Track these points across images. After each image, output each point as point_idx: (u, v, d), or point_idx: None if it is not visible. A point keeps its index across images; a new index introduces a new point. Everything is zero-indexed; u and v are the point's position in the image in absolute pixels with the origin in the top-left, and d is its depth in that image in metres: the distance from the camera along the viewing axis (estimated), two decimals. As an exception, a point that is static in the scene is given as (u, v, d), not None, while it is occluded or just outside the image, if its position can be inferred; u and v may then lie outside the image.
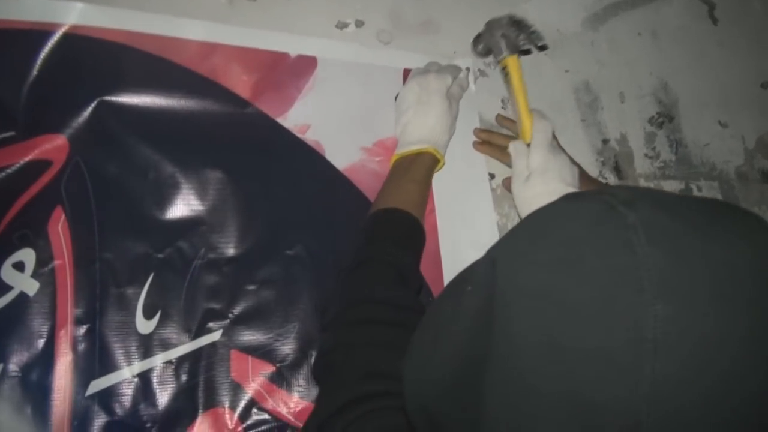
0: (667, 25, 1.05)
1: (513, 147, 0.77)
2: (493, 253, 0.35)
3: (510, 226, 0.77)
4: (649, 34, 1.03)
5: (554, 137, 0.78)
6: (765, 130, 1.08)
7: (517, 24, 0.79)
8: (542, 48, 0.83)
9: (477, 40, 0.84)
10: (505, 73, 0.79)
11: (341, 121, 0.78)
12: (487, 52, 0.85)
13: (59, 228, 0.63)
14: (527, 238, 0.34)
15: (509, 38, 0.78)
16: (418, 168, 0.72)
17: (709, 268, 0.27)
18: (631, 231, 0.28)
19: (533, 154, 0.74)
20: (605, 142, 0.93)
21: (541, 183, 0.72)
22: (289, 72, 0.76)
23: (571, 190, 0.71)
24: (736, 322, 0.26)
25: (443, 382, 0.35)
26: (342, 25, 0.83)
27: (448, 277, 0.76)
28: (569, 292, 0.29)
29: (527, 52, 0.81)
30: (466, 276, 0.38)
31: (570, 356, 0.28)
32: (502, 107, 0.88)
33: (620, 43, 1.00)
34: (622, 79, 0.98)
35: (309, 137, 0.76)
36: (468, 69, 0.85)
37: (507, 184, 0.83)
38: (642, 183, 0.94)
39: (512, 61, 0.78)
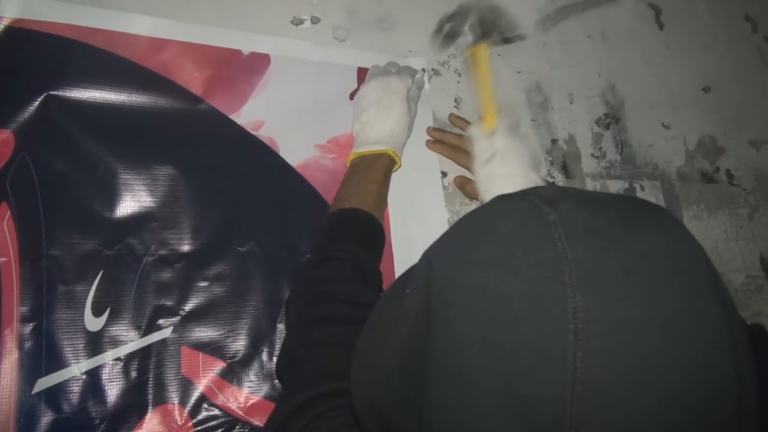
0: (617, 28, 1.09)
1: (473, 129, 0.77)
2: (428, 254, 0.37)
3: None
4: (598, 37, 1.06)
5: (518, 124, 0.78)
6: (706, 132, 1.13)
7: (493, 12, 0.76)
8: (520, 37, 0.81)
9: (445, 21, 0.80)
10: (473, 60, 0.77)
11: (295, 118, 0.78)
12: (454, 36, 0.81)
13: (4, 224, 0.62)
14: (461, 239, 0.35)
15: (484, 24, 0.76)
16: (378, 168, 0.74)
17: (624, 259, 0.30)
18: (553, 228, 0.31)
19: (497, 135, 0.74)
20: (554, 141, 0.97)
21: (504, 165, 0.73)
22: (242, 69, 0.76)
23: (532, 173, 0.72)
24: (652, 307, 0.29)
25: (390, 382, 0.36)
26: (297, 21, 0.83)
27: (400, 272, 0.78)
28: (501, 289, 0.30)
29: (508, 40, 0.79)
30: (405, 278, 0.39)
31: (503, 350, 0.29)
32: (455, 107, 0.90)
33: (571, 45, 1.03)
34: (572, 80, 1.01)
35: (263, 134, 0.76)
36: (423, 70, 0.87)
37: (458, 182, 0.85)
38: (588, 182, 0.97)
39: (483, 49, 0.76)
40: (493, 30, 0.76)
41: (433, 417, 0.32)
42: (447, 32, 0.80)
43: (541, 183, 0.75)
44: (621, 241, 0.30)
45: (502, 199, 0.36)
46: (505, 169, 0.73)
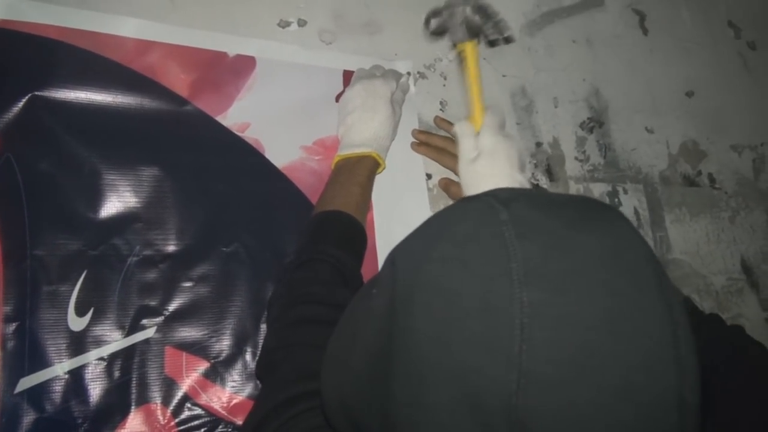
0: (601, 33, 1.10)
1: (459, 127, 0.74)
2: (393, 253, 0.38)
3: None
4: (583, 42, 1.08)
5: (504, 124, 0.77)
6: (688, 136, 1.14)
7: (483, 10, 0.73)
8: (508, 40, 0.77)
9: (432, 17, 0.77)
10: (461, 58, 0.76)
11: (281, 120, 0.79)
12: (441, 32, 0.78)
13: (-12, 224, 0.62)
14: (422, 238, 0.37)
15: (471, 23, 0.73)
16: (362, 171, 0.74)
17: (572, 256, 0.31)
18: (504, 227, 0.32)
19: (484, 134, 0.72)
20: (538, 145, 0.98)
21: (489, 164, 0.71)
22: (228, 71, 0.77)
23: (518, 174, 0.71)
24: (596, 303, 0.30)
25: (359, 383, 0.37)
26: (284, 24, 0.84)
27: (383, 274, 0.79)
28: (454, 286, 0.32)
29: (494, 43, 0.76)
30: (373, 279, 0.40)
31: (454, 345, 0.31)
32: (441, 109, 0.91)
33: (556, 50, 1.04)
34: (557, 84, 1.02)
35: (248, 135, 0.77)
36: (409, 73, 0.88)
37: (443, 184, 0.86)
38: (572, 185, 0.98)
39: (470, 47, 0.74)
40: (481, 31, 0.74)
41: (395, 415, 0.33)
42: (434, 28, 0.77)
43: (527, 184, 0.75)
44: (569, 240, 0.32)
45: (464, 201, 0.37)
46: (491, 169, 0.71)
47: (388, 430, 0.34)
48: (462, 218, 0.35)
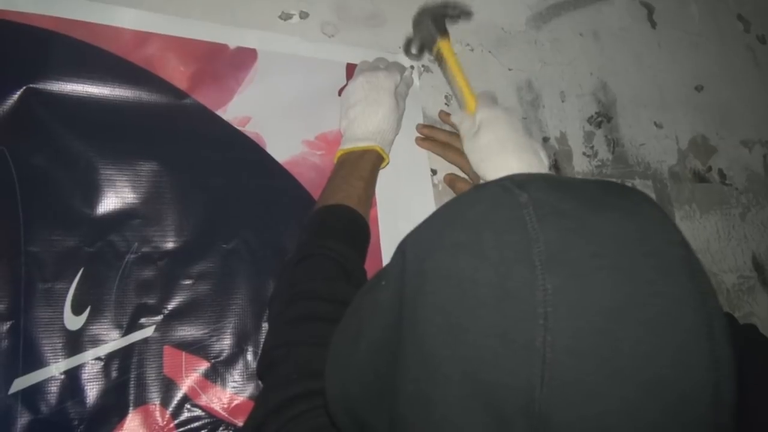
0: (608, 26, 1.08)
1: (456, 117, 0.77)
2: (402, 244, 0.36)
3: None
4: (590, 35, 1.06)
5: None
6: (698, 131, 1.12)
7: (443, 3, 0.78)
8: (467, 13, 0.82)
9: (409, 42, 0.83)
10: (440, 57, 0.79)
11: (283, 114, 0.77)
12: (421, 49, 0.84)
13: (-19, 220, 0.61)
14: (432, 227, 0.35)
15: (437, 20, 0.77)
16: (365, 165, 0.72)
17: (595, 241, 0.29)
18: (524, 210, 0.30)
19: (480, 108, 0.73)
20: (545, 140, 0.96)
21: (491, 131, 0.71)
22: (229, 64, 0.75)
23: (526, 138, 0.70)
24: (622, 289, 0.28)
25: (364, 379, 0.36)
26: (286, 16, 0.82)
27: (388, 271, 0.77)
28: (467, 273, 0.30)
29: (456, 18, 0.80)
30: (381, 272, 0.39)
31: (468, 337, 0.29)
32: (446, 104, 0.89)
33: (562, 43, 1.02)
34: (564, 78, 1.00)
35: (249, 130, 0.75)
36: (412, 67, 0.86)
37: (448, 179, 0.84)
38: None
39: (444, 44, 0.78)
40: (445, 19, 0.77)
41: (403, 410, 0.31)
42: (415, 50, 0.83)
43: (538, 147, 0.74)
44: (592, 223, 0.29)
45: (476, 187, 0.35)
46: (495, 135, 0.71)
47: (396, 428, 0.32)
48: (476, 202, 0.33)
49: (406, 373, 0.31)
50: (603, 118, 1.02)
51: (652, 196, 1.03)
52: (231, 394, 0.65)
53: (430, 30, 0.77)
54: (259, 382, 0.66)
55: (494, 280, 0.29)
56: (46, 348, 0.60)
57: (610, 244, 0.29)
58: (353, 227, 0.67)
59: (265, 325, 0.69)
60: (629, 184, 0.99)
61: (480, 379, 0.28)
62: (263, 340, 0.67)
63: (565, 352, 0.27)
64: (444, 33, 0.77)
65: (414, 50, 0.83)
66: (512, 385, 0.27)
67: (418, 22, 0.79)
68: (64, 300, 0.61)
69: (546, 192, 0.31)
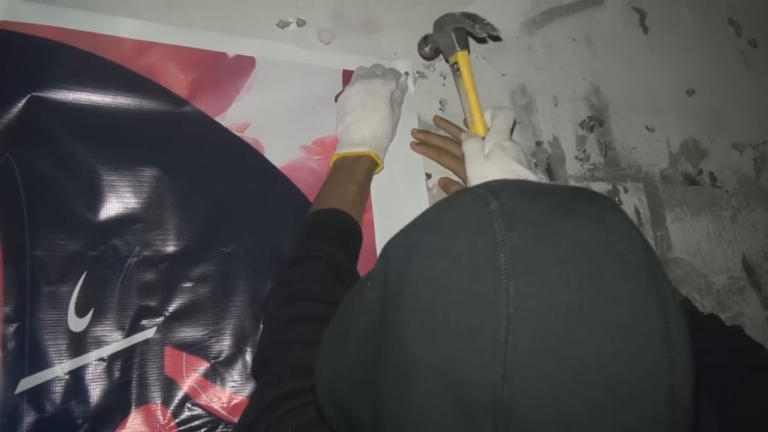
0: (601, 31, 1.10)
1: (464, 134, 0.77)
2: (387, 246, 0.38)
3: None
4: (583, 40, 1.07)
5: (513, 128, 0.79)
6: (689, 134, 1.14)
7: (471, 17, 0.78)
8: (496, 38, 0.82)
9: (425, 40, 0.83)
10: (455, 68, 0.79)
11: (280, 120, 0.79)
12: (435, 53, 0.84)
13: (-13, 225, 0.62)
14: (414, 231, 0.36)
15: (460, 33, 0.78)
16: (360, 170, 0.74)
17: (560, 247, 0.31)
18: (494, 217, 0.32)
19: (495, 135, 0.73)
20: (538, 144, 0.97)
21: (499, 163, 0.71)
22: (228, 71, 0.77)
23: (524, 170, 0.71)
24: (583, 293, 0.30)
25: (351, 376, 0.37)
26: (283, 24, 0.84)
27: (383, 274, 0.78)
28: (441, 277, 0.32)
29: (483, 40, 0.81)
30: (368, 273, 0.41)
31: (441, 337, 0.30)
32: (440, 109, 0.91)
33: (555, 48, 1.04)
34: (557, 83, 1.02)
35: (248, 135, 0.77)
36: (407, 73, 0.88)
37: (443, 183, 0.86)
38: (572, 184, 0.98)
39: (463, 57, 0.78)
40: (473, 33, 0.77)
41: (383, 405, 0.33)
42: (428, 52, 0.83)
43: (534, 177, 0.75)
44: (558, 230, 0.31)
45: (458, 192, 0.37)
46: (501, 167, 0.71)
47: (378, 423, 0.34)
48: (453, 209, 0.35)
49: (386, 370, 0.33)
50: (595, 122, 1.04)
51: (644, 198, 1.04)
52: (230, 393, 0.67)
53: (452, 39, 0.77)
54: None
55: (464, 284, 0.31)
56: (51, 349, 0.62)
57: (574, 250, 0.31)
58: (346, 231, 0.69)
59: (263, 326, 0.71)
60: (621, 187, 1.01)
61: (451, 377, 0.30)
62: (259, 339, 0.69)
63: (526, 352, 0.28)
64: (465, 46, 0.78)
65: (428, 50, 0.83)
66: (479, 383, 0.29)
67: (441, 27, 0.79)
68: (68, 302, 0.63)
69: (517, 199, 0.33)
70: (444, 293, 0.31)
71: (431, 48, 0.84)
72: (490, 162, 0.71)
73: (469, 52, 0.79)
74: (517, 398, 0.28)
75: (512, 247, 0.30)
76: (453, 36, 0.78)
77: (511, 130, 0.76)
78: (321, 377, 0.41)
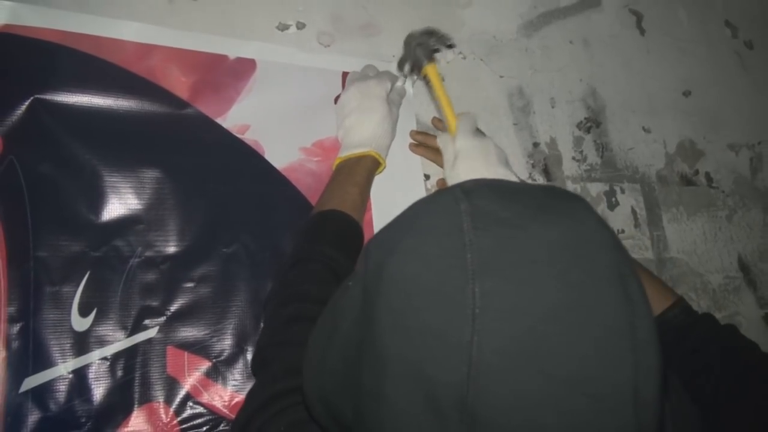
0: (598, 34, 1.11)
1: (440, 139, 0.80)
2: (367, 246, 0.39)
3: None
4: (580, 42, 1.08)
5: (477, 127, 0.81)
6: (685, 135, 1.15)
7: (429, 33, 0.81)
8: (450, 46, 0.85)
9: (402, 62, 0.85)
10: (426, 80, 0.82)
11: (280, 122, 0.80)
12: (412, 69, 0.86)
13: (-8, 226, 0.63)
14: (392, 231, 0.37)
15: (424, 46, 0.80)
16: (360, 171, 0.75)
17: (528, 247, 0.31)
18: (462, 217, 0.32)
19: (458, 138, 0.76)
20: (536, 145, 0.98)
21: (467, 163, 0.74)
22: (228, 74, 0.77)
23: (501, 169, 0.73)
24: (548, 293, 0.30)
25: (336, 374, 0.38)
26: (283, 27, 0.85)
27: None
28: (414, 277, 0.32)
29: (437, 50, 0.83)
30: (353, 272, 0.41)
31: (412, 336, 0.31)
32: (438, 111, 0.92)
33: (553, 50, 1.05)
34: (554, 84, 1.03)
35: (248, 137, 0.77)
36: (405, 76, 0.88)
37: (441, 184, 0.87)
38: (569, 184, 0.99)
39: (431, 69, 0.80)
40: (431, 48, 0.80)
41: (362, 403, 0.34)
42: (407, 70, 0.84)
43: (513, 177, 0.76)
44: (527, 230, 0.32)
45: (435, 193, 0.38)
46: (470, 167, 0.74)
47: (358, 420, 0.35)
48: (428, 210, 0.35)
49: (365, 368, 0.34)
50: (592, 123, 1.05)
51: (640, 199, 1.05)
52: (231, 392, 0.68)
53: (417, 54, 0.80)
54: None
55: (434, 285, 0.31)
56: (54, 348, 0.63)
57: (543, 250, 0.31)
58: (346, 232, 0.70)
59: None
60: (617, 188, 1.02)
61: (422, 376, 0.31)
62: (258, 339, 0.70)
63: (491, 352, 0.29)
64: (431, 59, 0.80)
65: (406, 70, 0.85)
66: (447, 382, 0.30)
67: (407, 46, 0.82)
68: (72, 302, 0.64)
69: (489, 199, 0.33)
70: (415, 294, 0.32)
71: (408, 67, 0.86)
72: (458, 165, 0.74)
73: (435, 64, 0.81)
74: (482, 397, 0.29)
75: (480, 247, 0.31)
76: (417, 52, 0.80)
77: (476, 130, 0.79)
78: (308, 375, 0.42)
